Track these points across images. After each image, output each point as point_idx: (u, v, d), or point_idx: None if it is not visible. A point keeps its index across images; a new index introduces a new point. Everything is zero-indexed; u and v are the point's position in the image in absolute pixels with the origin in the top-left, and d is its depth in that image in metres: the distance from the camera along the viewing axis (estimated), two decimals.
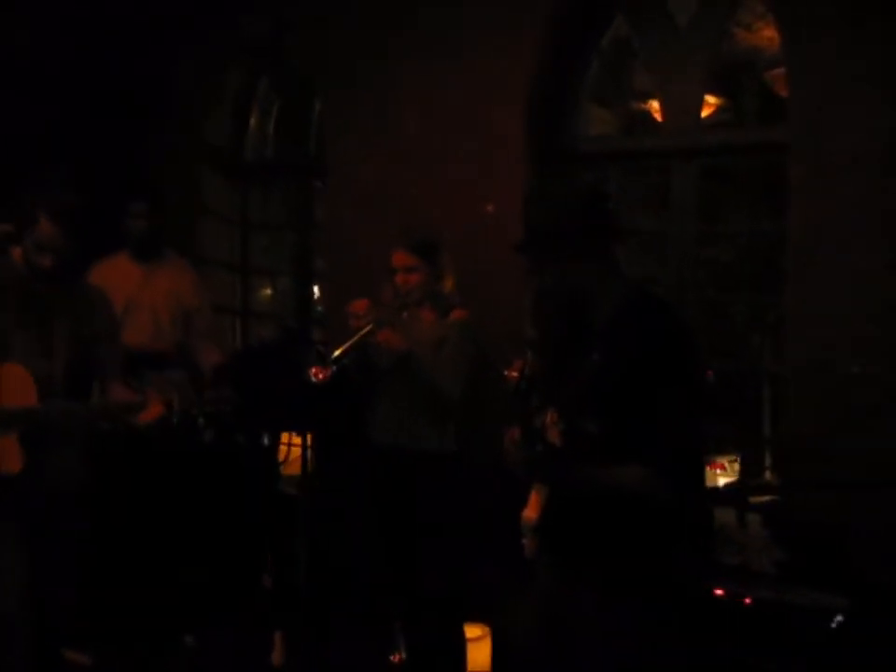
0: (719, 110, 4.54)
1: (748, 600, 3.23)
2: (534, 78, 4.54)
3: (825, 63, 3.73)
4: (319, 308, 5.97)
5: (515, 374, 2.59)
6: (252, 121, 5.94)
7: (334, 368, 3.69)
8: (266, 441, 5.04)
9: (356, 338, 3.76)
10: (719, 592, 3.24)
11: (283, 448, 5.00)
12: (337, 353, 3.70)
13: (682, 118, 4.39)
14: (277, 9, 5.40)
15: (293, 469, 4.98)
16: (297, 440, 4.96)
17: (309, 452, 4.63)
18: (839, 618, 3.07)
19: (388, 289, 4.02)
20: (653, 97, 5.13)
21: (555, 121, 4.65)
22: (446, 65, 4.76)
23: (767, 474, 4.29)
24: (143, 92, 5.66)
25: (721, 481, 4.93)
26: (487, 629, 4.38)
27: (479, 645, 4.32)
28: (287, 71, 5.78)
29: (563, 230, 2.55)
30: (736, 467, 4.87)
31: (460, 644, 4.17)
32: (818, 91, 3.76)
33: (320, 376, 3.69)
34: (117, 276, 4.55)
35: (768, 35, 5.27)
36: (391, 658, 4.20)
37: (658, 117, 5.62)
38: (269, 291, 6.30)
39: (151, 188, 4.91)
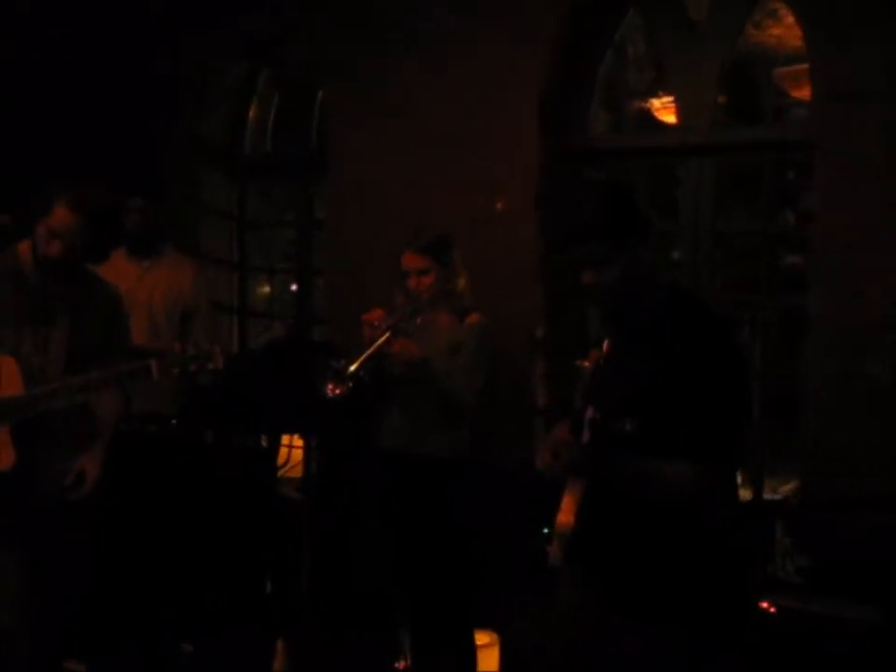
0: (731, 108, 4.45)
1: (772, 610, 3.14)
2: (547, 72, 4.45)
3: (849, 60, 3.65)
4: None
5: (588, 365, 2.48)
6: (251, 116, 5.83)
7: (350, 383, 3.60)
8: (265, 443, 4.94)
9: (371, 350, 3.66)
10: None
11: (283, 450, 4.92)
12: (353, 367, 3.61)
13: (696, 115, 4.29)
14: (278, 3, 5.29)
15: (293, 471, 4.91)
16: (298, 442, 4.89)
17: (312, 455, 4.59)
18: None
19: (400, 293, 3.92)
20: (666, 94, 5.06)
21: (569, 117, 4.56)
22: (456, 59, 4.66)
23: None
24: (142, 88, 5.56)
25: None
26: (496, 636, 4.31)
27: (488, 652, 4.25)
28: (287, 64, 5.67)
29: (601, 231, 2.50)
30: None
31: (470, 651, 4.09)
32: (840, 90, 3.68)
33: (337, 392, 3.60)
34: (111, 274, 4.41)
35: (777, 32, 5.21)
36: (396, 665, 4.13)
37: (661, 114, 5.59)
38: (267, 289, 6.18)
39: (149, 183, 4.80)
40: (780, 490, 4.60)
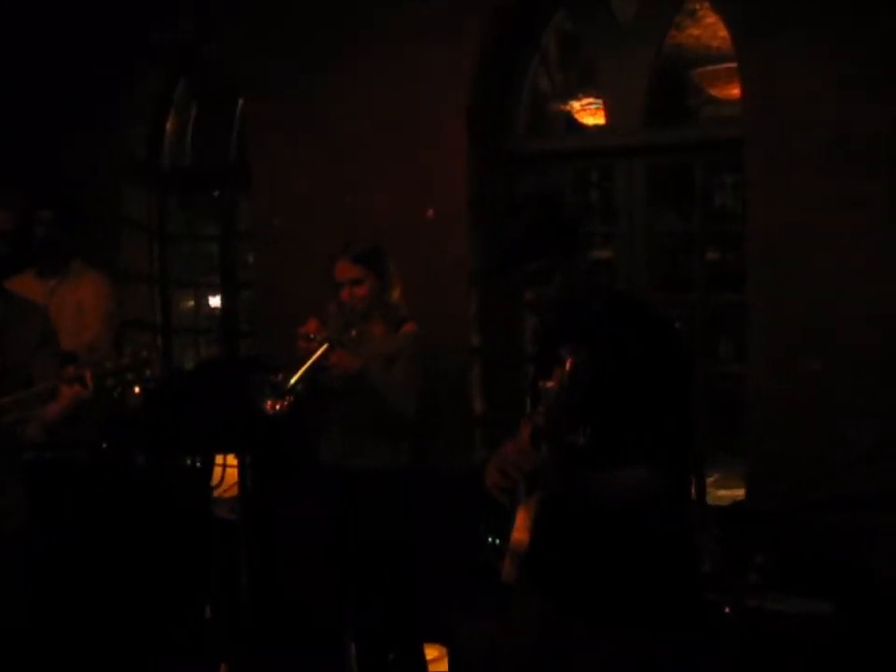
0: (659, 109, 4.46)
1: (727, 609, 3.14)
2: (473, 77, 4.40)
3: (776, 59, 3.68)
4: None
5: (553, 384, 2.43)
6: (169, 127, 5.69)
7: (290, 398, 3.51)
8: (198, 463, 4.81)
9: (309, 363, 3.59)
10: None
11: (217, 470, 4.79)
12: (293, 380, 3.53)
13: (625, 116, 4.29)
14: (196, 11, 5.17)
15: (228, 491, 4.78)
16: (231, 461, 4.77)
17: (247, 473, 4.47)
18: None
19: (333, 305, 3.85)
20: (593, 96, 5.07)
21: (496, 122, 4.52)
22: (380, 66, 4.60)
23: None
24: (56, 100, 5.39)
25: None
26: (444, 650, 4.25)
27: (436, 666, 4.20)
28: (204, 73, 5.56)
29: (538, 250, 2.47)
30: None
31: (420, 665, 4.03)
32: (769, 88, 3.70)
33: (277, 407, 3.51)
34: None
35: (695, 33, 5.26)
36: None
37: (586, 116, 5.60)
38: (191, 304, 6.03)
39: (59, 196, 4.66)
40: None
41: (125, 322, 5.58)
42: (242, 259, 5.74)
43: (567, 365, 2.31)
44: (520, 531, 2.52)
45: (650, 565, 2.48)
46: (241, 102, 5.39)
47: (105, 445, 4.30)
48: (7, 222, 3.31)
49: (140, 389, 3.21)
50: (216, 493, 4.77)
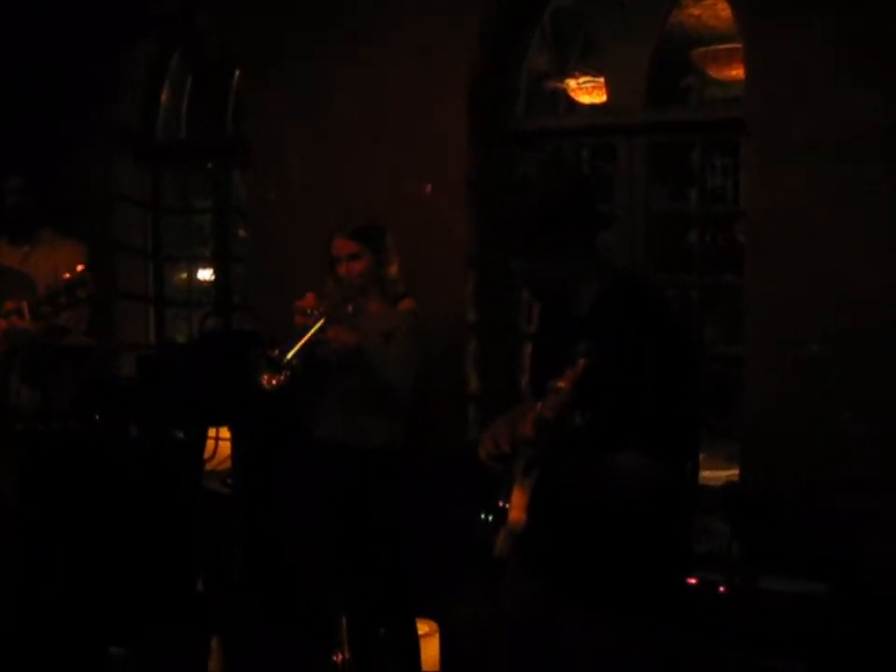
0: (660, 88, 4.44)
1: (722, 589, 3.16)
2: (474, 53, 4.37)
3: (781, 41, 3.67)
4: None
5: (564, 385, 2.40)
6: (163, 99, 5.64)
7: (287, 372, 3.49)
8: (191, 434, 4.80)
9: (306, 337, 3.55)
10: (692, 581, 3.15)
11: (210, 443, 4.78)
12: (290, 355, 3.50)
13: (627, 94, 4.28)
14: None
15: (221, 464, 4.77)
16: (224, 433, 4.76)
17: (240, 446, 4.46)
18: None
19: (330, 280, 3.83)
20: (593, 73, 5.05)
21: (497, 99, 4.50)
22: (381, 40, 4.55)
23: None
24: (47, 73, 5.33)
25: None
26: (436, 626, 4.26)
27: (428, 641, 4.20)
28: (200, 45, 5.50)
29: (551, 218, 2.43)
30: None
31: (412, 641, 4.04)
32: (773, 70, 3.69)
33: (273, 382, 3.49)
34: None
35: (696, 13, 5.23)
36: (333, 658, 4.06)
37: (587, 95, 5.57)
38: (184, 277, 6.00)
39: (34, 165, 4.63)
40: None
41: (119, 294, 5.61)
42: (235, 232, 5.71)
43: (581, 365, 2.28)
44: (517, 510, 2.49)
45: (646, 551, 2.45)
46: (237, 74, 5.34)
47: (97, 416, 4.27)
48: None
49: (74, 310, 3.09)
50: (208, 466, 4.78)
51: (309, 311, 3.64)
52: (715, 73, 5.32)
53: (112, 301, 5.52)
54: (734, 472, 4.21)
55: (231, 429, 4.42)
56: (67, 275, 3.06)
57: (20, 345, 3.12)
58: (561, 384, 2.25)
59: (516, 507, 2.50)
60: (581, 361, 2.26)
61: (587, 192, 2.48)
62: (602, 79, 4.69)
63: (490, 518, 2.62)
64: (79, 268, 3.06)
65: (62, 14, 5.37)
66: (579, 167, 3.55)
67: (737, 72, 4.75)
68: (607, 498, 2.43)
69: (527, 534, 2.46)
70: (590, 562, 2.50)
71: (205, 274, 6.22)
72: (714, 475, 4.96)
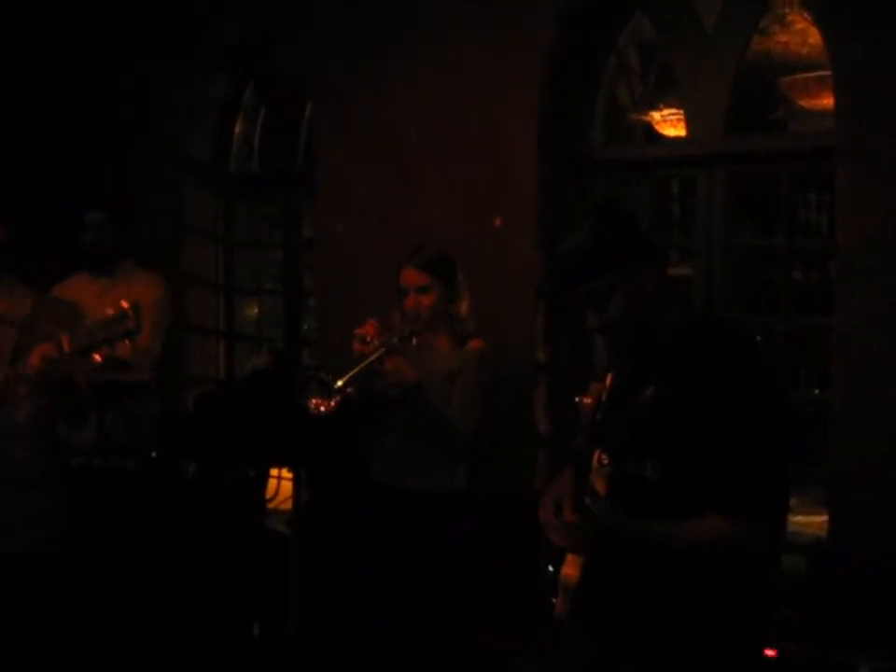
0: (742, 117, 4.24)
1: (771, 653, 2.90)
2: (545, 82, 4.23)
3: (872, 66, 3.44)
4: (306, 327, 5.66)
5: (589, 401, 2.23)
6: (237, 131, 5.61)
7: (338, 398, 3.34)
8: (252, 473, 4.70)
9: (362, 365, 3.40)
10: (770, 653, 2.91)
11: (272, 482, 4.68)
12: (341, 382, 3.34)
13: (706, 125, 4.07)
14: (264, 13, 5.08)
15: (283, 504, 4.67)
16: (287, 473, 4.65)
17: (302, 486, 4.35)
18: None
19: (397, 312, 3.68)
20: (672, 104, 4.87)
21: (569, 128, 4.34)
22: (449, 70, 4.45)
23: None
24: (122, 103, 5.39)
25: None
26: None
27: None
28: (273, 77, 5.47)
29: (593, 268, 2.26)
30: None
31: None
32: (864, 97, 3.46)
33: (322, 408, 3.33)
34: (73, 295, 4.25)
35: (784, 39, 5.02)
36: None
37: (664, 126, 5.38)
38: (255, 311, 5.95)
39: (112, 198, 4.66)
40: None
41: (189, 328, 5.57)
42: (305, 265, 5.63)
43: (608, 380, 2.10)
44: (570, 566, 2.39)
45: (713, 617, 2.22)
46: (309, 106, 5.29)
47: (154, 453, 4.20)
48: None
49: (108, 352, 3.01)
50: (270, 505, 4.67)
51: (368, 339, 3.50)
52: (805, 102, 5.10)
53: (182, 335, 5.47)
54: (823, 518, 3.96)
55: (290, 469, 4.31)
56: (111, 310, 2.96)
57: (55, 377, 3.02)
58: (587, 399, 2.07)
59: (570, 562, 2.40)
60: (608, 375, 2.08)
61: (626, 229, 2.30)
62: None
63: (553, 570, 2.49)
64: (123, 304, 2.96)
65: (136, 44, 5.41)
66: (621, 201, 3.36)
67: (829, 101, 4.53)
68: (681, 569, 2.23)
69: (585, 589, 2.31)
70: (650, 625, 2.27)
71: (275, 308, 6.16)
72: (807, 520, 4.69)
